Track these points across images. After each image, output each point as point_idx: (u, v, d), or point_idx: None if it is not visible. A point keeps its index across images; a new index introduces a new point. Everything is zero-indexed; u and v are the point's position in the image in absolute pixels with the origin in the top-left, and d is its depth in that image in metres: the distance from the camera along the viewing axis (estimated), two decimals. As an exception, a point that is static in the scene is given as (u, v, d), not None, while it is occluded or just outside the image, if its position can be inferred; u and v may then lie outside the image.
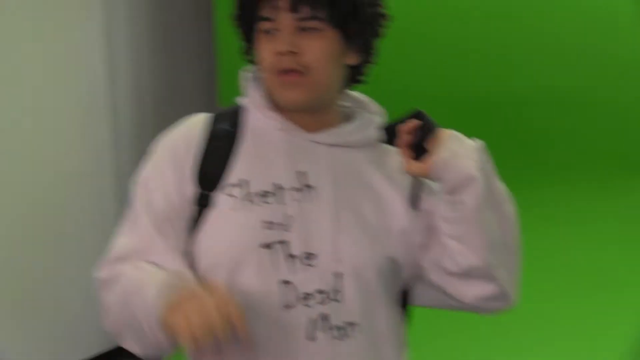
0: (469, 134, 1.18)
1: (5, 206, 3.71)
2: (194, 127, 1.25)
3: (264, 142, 1.22)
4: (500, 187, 1.20)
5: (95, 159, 4.17)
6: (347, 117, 1.27)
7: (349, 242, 1.17)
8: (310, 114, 1.22)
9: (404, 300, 1.28)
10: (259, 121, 1.24)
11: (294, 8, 1.13)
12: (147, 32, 4.33)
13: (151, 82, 4.38)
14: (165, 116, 4.13)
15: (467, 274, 1.18)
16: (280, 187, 1.18)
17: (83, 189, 4.10)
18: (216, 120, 1.26)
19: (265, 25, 1.17)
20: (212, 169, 1.20)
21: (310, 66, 1.15)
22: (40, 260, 3.86)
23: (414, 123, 1.16)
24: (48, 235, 3.94)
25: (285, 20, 1.14)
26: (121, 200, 4.13)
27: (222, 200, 1.19)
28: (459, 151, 1.14)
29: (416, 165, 1.17)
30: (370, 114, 1.28)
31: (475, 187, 1.14)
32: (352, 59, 1.21)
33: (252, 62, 1.24)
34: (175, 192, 1.20)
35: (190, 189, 1.20)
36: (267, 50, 1.17)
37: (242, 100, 1.27)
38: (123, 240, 1.21)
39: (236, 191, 1.18)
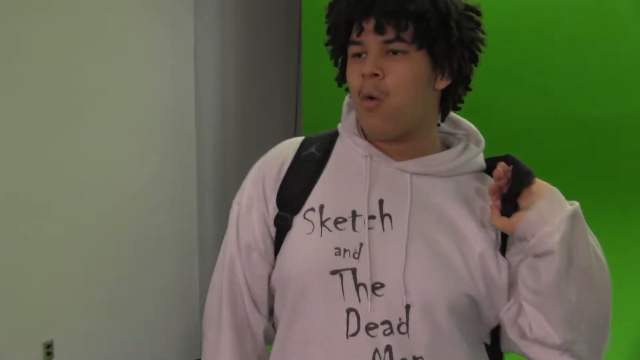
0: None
1: (90, 217, 3.77)
2: (286, 150, 1.26)
3: (347, 168, 1.21)
4: (592, 258, 1.12)
5: (179, 173, 4.26)
6: (448, 144, 1.25)
7: (418, 274, 1.14)
8: (399, 141, 1.19)
9: (495, 341, 1.23)
10: (347, 147, 1.23)
11: (379, 30, 1.12)
12: (233, 50, 4.35)
13: (236, 99, 4.39)
14: (247, 132, 4.22)
15: (543, 343, 1.14)
16: (355, 214, 1.17)
17: (166, 202, 4.21)
18: (308, 144, 1.26)
19: (354, 49, 1.16)
20: (294, 192, 1.21)
21: (390, 90, 1.13)
22: (125, 271, 3.96)
23: (505, 168, 1.12)
24: (131, 247, 4.01)
25: (372, 42, 1.13)
26: (202, 213, 4.38)
27: (300, 224, 1.19)
28: (547, 217, 1.10)
29: (501, 220, 1.13)
30: (471, 143, 1.24)
31: (553, 263, 1.10)
32: (442, 83, 1.17)
33: (347, 89, 1.22)
34: (260, 219, 1.24)
35: (272, 211, 1.22)
36: (354, 73, 1.16)
37: (339, 126, 1.27)
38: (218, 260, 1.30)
39: (313, 216, 1.18)
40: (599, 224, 1.24)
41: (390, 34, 1.12)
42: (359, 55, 1.15)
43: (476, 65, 1.21)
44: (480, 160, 1.24)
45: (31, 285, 3.60)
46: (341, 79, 1.22)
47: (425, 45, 1.13)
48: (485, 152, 1.27)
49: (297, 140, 1.28)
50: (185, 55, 4.37)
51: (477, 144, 1.25)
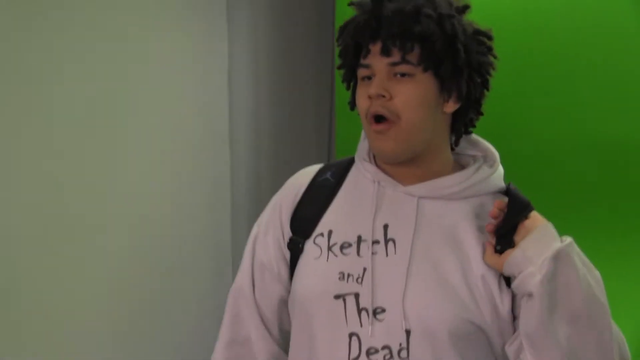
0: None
1: (121, 237, 3.75)
2: (303, 177, 1.31)
3: (357, 193, 1.23)
4: (585, 299, 1.09)
5: (212, 193, 4.24)
6: (465, 166, 1.24)
7: (418, 299, 1.13)
8: (409, 165, 1.20)
9: None
10: (359, 173, 1.26)
11: (385, 52, 1.13)
12: (267, 69, 4.37)
13: (269, 119, 4.40)
14: (281, 154, 4.20)
15: None
16: (360, 239, 1.18)
17: (199, 222, 4.20)
18: (324, 170, 1.30)
19: (363, 72, 1.18)
20: (306, 217, 1.24)
21: (399, 112, 1.14)
22: (155, 291, 3.95)
23: (501, 206, 1.13)
24: (162, 267, 4.01)
25: (379, 65, 1.15)
26: (236, 233, 4.31)
27: (310, 249, 1.22)
28: (531, 256, 1.08)
29: (493, 258, 1.13)
30: (486, 164, 1.24)
31: (534, 305, 1.08)
32: (451, 107, 1.18)
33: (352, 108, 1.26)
34: (275, 245, 1.27)
35: (286, 235, 1.26)
36: (362, 95, 1.18)
37: (356, 153, 1.29)
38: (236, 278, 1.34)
39: (322, 241, 1.21)
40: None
41: (396, 56, 1.13)
42: (368, 78, 1.17)
43: (488, 90, 1.21)
44: (496, 181, 1.23)
45: (64, 301, 3.64)
46: (353, 103, 1.24)
47: (431, 67, 1.14)
48: (506, 173, 1.26)
49: (315, 168, 1.32)
50: (219, 68, 4.41)
51: (492, 164, 1.24)
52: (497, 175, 1.24)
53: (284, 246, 1.26)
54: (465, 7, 1.19)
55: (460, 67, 1.15)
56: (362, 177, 1.25)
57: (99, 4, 3.80)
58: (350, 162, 1.29)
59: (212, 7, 4.31)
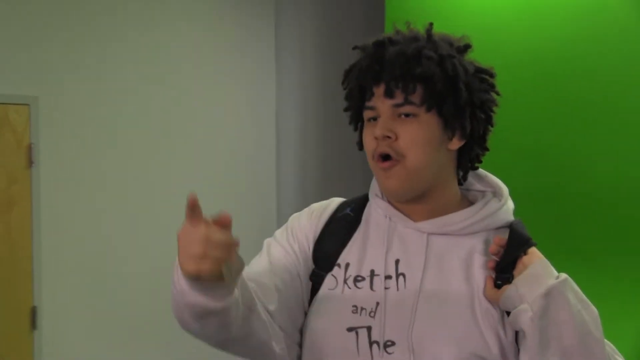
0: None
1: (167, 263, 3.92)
2: (325, 209, 1.32)
3: (372, 228, 1.25)
4: (578, 335, 1.09)
5: (260, 228, 4.34)
6: (473, 201, 1.26)
7: (426, 334, 1.15)
8: (417, 202, 1.22)
9: None
10: (373, 209, 1.28)
11: (388, 94, 1.15)
12: (314, 97, 4.50)
13: (316, 154, 4.52)
14: (327, 188, 4.31)
15: None
16: (373, 274, 1.20)
17: (246, 257, 4.28)
18: (344, 205, 1.32)
19: (368, 114, 1.20)
20: (328, 250, 1.25)
21: (405, 152, 1.16)
22: None
23: (500, 243, 1.15)
24: None
25: (383, 106, 1.17)
26: None
27: (328, 280, 1.23)
28: (523, 293, 1.10)
29: (491, 292, 1.15)
30: (494, 198, 1.25)
31: (526, 342, 1.10)
32: (455, 144, 1.20)
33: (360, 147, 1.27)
34: (294, 251, 1.26)
35: (310, 265, 1.26)
36: (368, 136, 1.20)
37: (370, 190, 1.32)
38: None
39: (339, 273, 1.23)
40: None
41: (399, 97, 1.15)
42: (373, 119, 1.19)
43: (492, 126, 1.22)
44: (504, 216, 1.24)
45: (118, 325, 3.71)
46: (360, 144, 1.26)
47: (434, 107, 1.15)
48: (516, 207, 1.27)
49: (335, 202, 1.33)
50: (267, 95, 4.48)
51: (501, 199, 1.25)
52: (506, 210, 1.24)
53: (307, 275, 1.26)
54: (467, 47, 1.21)
55: (463, 105, 1.16)
56: (375, 213, 1.27)
57: (156, 39, 3.93)
58: (366, 198, 1.32)
59: (261, 41, 4.43)
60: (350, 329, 1.18)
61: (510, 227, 1.19)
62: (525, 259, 1.15)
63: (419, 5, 3.48)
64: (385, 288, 1.19)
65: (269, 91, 4.50)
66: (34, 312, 3.60)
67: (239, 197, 4.34)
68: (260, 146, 4.48)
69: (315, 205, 1.34)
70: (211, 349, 4.03)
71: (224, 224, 0.98)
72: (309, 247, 1.27)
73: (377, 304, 1.18)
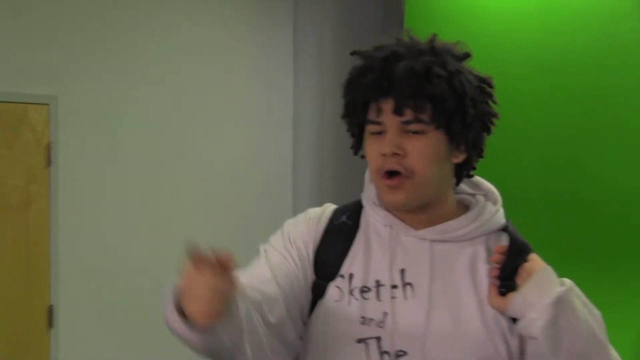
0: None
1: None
2: (320, 217, 1.29)
3: (372, 237, 1.25)
4: (585, 340, 1.12)
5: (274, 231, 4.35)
6: (467, 205, 1.27)
7: (438, 342, 1.15)
8: (417, 212, 1.22)
9: None
10: (371, 217, 1.27)
11: (398, 111, 1.15)
12: (332, 100, 4.43)
13: (333, 158, 4.50)
14: (344, 190, 4.25)
15: None
16: (379, 284, 1.20)
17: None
18: (339, 213, 1.30)
19: (373, 128, 1.19)
20: (329, 260, 1.24)
21: (414, 169, 1.16)
22: None
23: (501, 251, 1.17)
24: None
25: (390, 122, 1.16)
26: None
27: (330, 291, 1.22)
28: (532, 301, 1.12)
29: (497, 300, 1.16)
30: (490, 202, 1.26)
31: (538, 349, 1.12)
32: (459, 157, 1.21)
33: (362, 157, 1.26)
34: (293, 258, 1.24)
35: (310, 274, 1.24)
36: (373, 151, 1.19)
37: (362, 195, 1.30)
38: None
39: (342, 284, 1.22)
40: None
41: (409, 115, 1.14)
42: (377, 133, 1.18)
43: (489, 134, 1.23)
44: (499, 219, 1.26)
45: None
46: (357, 148, 1.25)
47: (443, 125, 1.16)
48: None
49: (329, 209, 1.31)
50: (285, 98, 4.47)
51: (495, 203, 1.27)
52: (501, 214, 1.26)
53: (308, 282, 1.24)
54: (466, 55, 1.21)
55: (470, 122, 1.18)
56: (374, 221, 1.26)
57: (175, 40, 3.94)
58: (360, 205, 1.30)
59: (278, 44, 4.43)
60: (359, 341, 1.17)
61: (509, 234, 1.21)
62: (527, 266, 1.16)
63: (437, 7, 3.47)
64: (392, 297, 1.19)
65: (287, 94, 4.50)
66: (50, 311, 3.62)
67: (255, 199, 4.34)
68: (277, 148, 4.48)
69: (312, 211, 1.32)
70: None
71: (226, 265, 0.99)
72: (309, 255, 1.26)
73: (385, 314, 1.18)
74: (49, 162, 3.61)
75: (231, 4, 4.26)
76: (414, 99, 1.13)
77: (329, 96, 4.49)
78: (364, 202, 1.29)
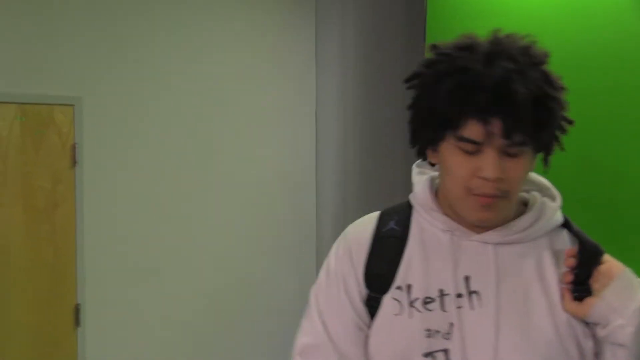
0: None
1: (209, 274, 4.07)
2: (364, 228, 1.24)
3: (429, 243, 1.19)
4: None
5: (298, 233, 4.46)
6: (523, 201, 1.22)
7: (509, 352, 1.10)
8: None
9: None
10: (426, 222, 1.21)
11: (507, 135, 1.07)
12: (356, 108, 4.52)
13: (355, 163, 4.51)
14: (367, 194, 4.30)
15: None
16: (443, 293, 1.15)
17: (285, 262, 4.40)
18: (386, 219, 1.24)
19: (467, 146, 1.10)
20: (380, 271, 1.19)
21: (510, 190, 1.11)
22: (240, 328, 4.19)
23: (573, 254, 1.12)
24: (249, 306, 4.24)
25: (493, 144, 1.08)
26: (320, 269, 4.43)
27: (388, 304, 1.17)
28: (616, 307, 1.08)
29: (573, 306, 1.11)
30: (549, 199, 1.22)
31: (623, 354, 1.08)
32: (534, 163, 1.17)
33: (422, 157, 1.21)
34: (348, 304, 1.19)
35: (363, 291, 1.19)
36: (464, 170, 1.11)
37: (411, 198, 1.25)
38: (302, 340, 1.22)
39: (401, 295, 1.16)
40: None
41: (517, 138, 1.08)
42: (472, 151, 1.10)
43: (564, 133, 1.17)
44: (559, 216, 1.20)
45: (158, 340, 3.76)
46: (423, 153, 1.19)
47: (542, 148, 1.13)
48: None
49: (373, 217, 1.25)
50: (308, 110, 4.49)
51: (553, 199, 1.22)
52: (559, 210, 1.22)
53: (360, 302, 1.20)
54: (546, 56, 1.15)
55: (556, 135, 1.14)
56: (428, 226, 1.20)
57: (198, 40, 3.96)
58: (408, 207, 1.24)
59: (301, 42, 4.42)
60: (426, 354, 1.12)
61: (575, 234, 1.16)
62: (603, 268, 1.11)
63: (460, 6, 3.43)
64: (458, 307, 1.13)
65: (309, 95, 4.50)
66: (77, 310, 3.66)
67: (279, 197, 4.35)
68: (300, 146, 4.48)
69: (351, 233, 1.26)
70: (244, 349, 4.01)
71: None
72: (359, 281, 1.20)
73: (451, 324, 1.12)
74: (74, 162, 3.65)
75: (253, 3, 4.26)
76: (524, 123, 1.06)
77: (352, 94, 4.47)
78: (416, 206, 1.23)
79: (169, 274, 3.93)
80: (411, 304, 1.15)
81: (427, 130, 1.16)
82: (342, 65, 4.46)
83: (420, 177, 1.26)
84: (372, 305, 1.19)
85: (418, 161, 1.27)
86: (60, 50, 3.62)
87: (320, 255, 4.42)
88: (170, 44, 3.96)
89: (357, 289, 1.20)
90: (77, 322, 3.68)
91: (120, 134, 3.81)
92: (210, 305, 4.05)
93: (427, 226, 1.21)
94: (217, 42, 4.11)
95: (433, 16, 3.54)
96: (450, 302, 1.14)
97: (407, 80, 1.18)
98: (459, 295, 1.14)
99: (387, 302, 1.17)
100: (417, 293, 1.15)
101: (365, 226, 1.24)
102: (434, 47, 1.16)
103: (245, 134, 4.23)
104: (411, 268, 1.17)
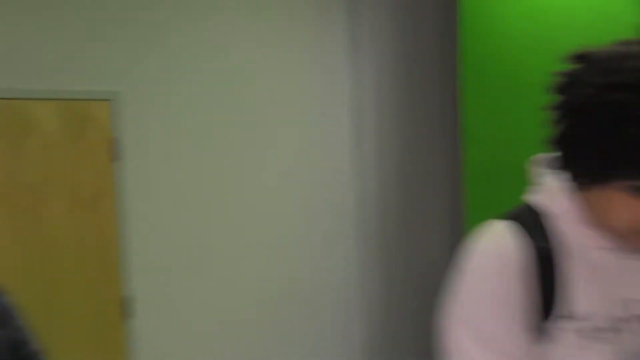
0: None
1: (255, 268, 4.09)
2: (509, 255, 1.05)
3: (587, 264, 1.06)
4: None
5: (340, 225, 4.44)
6: None
7: None
8: None
9: None
10: (572, 236, 1.07)
11: None
12: (392, 102, 4.48)
13: (394, 150, 4.47)
14: (407, 185, 4.25)
15: None
16: (618, 320, 1.05)
17: (328, 255, 4.40)
18: (524, 237, 1.06)
19: None
20: (546, 299, 1.04)
21: None
22: (287, 329, 4.21)
23: None
24: (294, 299, 4.24)
25: None
26: (363, 264, 4.45)
27: (563, 335, 1.04)
28: None
29: None
30: None
31: None
32: None
33: (562, 168, 1.04)
34: (516, 335, 1.04)
35: (529, 319, 1.05)
36: (633, 214, 0.97)
37: (542, 205, 1.09)
38: None
39: (569, 325, 1.04)
40: None
41: None
42: None
43: None
44: None
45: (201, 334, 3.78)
46: (588, 184, 1.01)
47: None
48: None
49: (509, 238, 1.06)
50: (343, 110, 4.42)
51: None
52: None
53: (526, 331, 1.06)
54: None
55: None
56: (578, 243, 1.06)
57: (236, 36, 3.93)
58: (538, 217, 1.08)
59: (336, 44, 4.36)
60: None
61: None
62: None
63: (493, 5, 3.33)
64: (634, 334, 1.05)
65: (344, 95, 4.42)
66: (124, 302, 3.71)
67: (318, 191, 4.32)
68: (337, 140, 4.42)
69: (497, 251, 1.05)
70: (290, 349, 3.98)
71: None
72: (527, 314, 1.05)
73: (635, 354, 1.04)
74: (114, 157, 3.67)
75: (285, 4, 4.19)
76: None
77: (388, 87, 4.41)
78: (557, 217, 1.07)
79: (212, 266, 3.95)
80: (583, 334, 1.03)
81: (594, 165, 0.98)
82: (378, 57, 4.39)
83: (558, 183, 1.08)
84: (541, 338, 1.05)
85: (544, 157, 1.10)
86: (96, 46, 3.62)
87: (362, 247, 4.37)
88: (207, 38, 3.93)
89: (522, 316, 1.04)
90: (125, 314, 3.72)
91: (159, 127, 3.81)
92: (257, 297, 4.06)
93: (575, 241, 1.07)
94: (252, 33, 4.07)
95: (466, 14, 3.45)
96: (627, 328, 1.04)
97: (575, 105, 0.98)
98: (626, 320, 1.05)
99: (561, 333, 1.04)
100: (584, 322, 1.04)
101: (508, 255, 1.05)
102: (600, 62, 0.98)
103: (287, 125, 4.21)
104: (580, 293, 1.04)
